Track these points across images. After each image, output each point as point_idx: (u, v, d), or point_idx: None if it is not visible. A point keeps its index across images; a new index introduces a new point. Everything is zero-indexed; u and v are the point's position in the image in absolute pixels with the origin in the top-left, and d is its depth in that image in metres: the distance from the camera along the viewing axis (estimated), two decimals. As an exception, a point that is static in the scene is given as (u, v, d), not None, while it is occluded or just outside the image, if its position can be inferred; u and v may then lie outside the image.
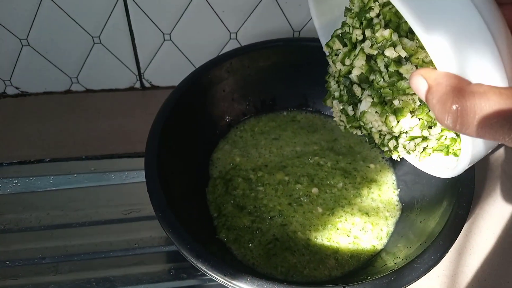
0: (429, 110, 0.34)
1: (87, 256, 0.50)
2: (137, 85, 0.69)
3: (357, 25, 0.35)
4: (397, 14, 0.32)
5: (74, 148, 0.60)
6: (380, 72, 0.34)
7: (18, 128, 0.63)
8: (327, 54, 0.40)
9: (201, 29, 0.61)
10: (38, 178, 0.57)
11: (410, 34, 0.32)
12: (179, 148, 0.49)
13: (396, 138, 0.37)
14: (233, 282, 0.36)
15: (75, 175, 0.57)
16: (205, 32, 0.61)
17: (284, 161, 0.54)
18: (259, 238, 0.47)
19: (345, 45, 0.37)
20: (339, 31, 0.38)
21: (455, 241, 0.39)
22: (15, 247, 0.51)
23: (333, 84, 0.41)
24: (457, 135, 0.35)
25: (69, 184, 0.57)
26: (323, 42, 0.43)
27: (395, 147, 0.38)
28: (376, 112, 0.36)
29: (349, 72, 0.37)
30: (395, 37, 0.32)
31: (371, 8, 0.34)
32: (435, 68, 0.26)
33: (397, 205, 0.51)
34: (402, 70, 0.33)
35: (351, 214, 0.49)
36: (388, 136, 0.38)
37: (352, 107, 0.39)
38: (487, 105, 0.23)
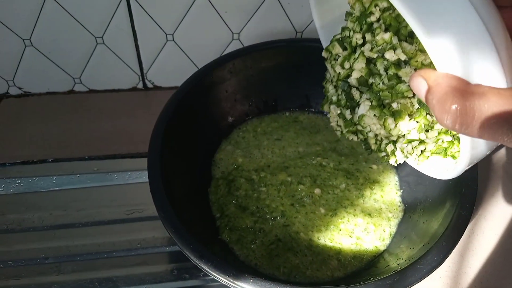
0: (427, 113, 0.35)
1: (89, 256, 0.50)
2: (140, 85, 0.69)
3: (358, 29, 0.36)
4: (397, 18, 0.33)
5: (77, 148, 0.60)
6: (380, 75, 0.35)
7: (21, 128, 0.63)
8: (326, 58, 0.41)
9: (204, 30, 0.61)
10: (41, 178, 0.57)
11: (409, 38, 0.33)
12: (182, 149, 0.49)
13: (394, 142, 0.38)
14: (236, 282, 0.36)
15: (78, 175, 0.57)
16: (208, 32, 0.62)
17: (286, 162, 0.54)
18: (262, 238, 0.47)
19: (345, 48, 0.38)
20: (338, 36, 0.39)
21: (458, 242, 0.39)
22: (18, 247, 0.51)
23: (330, 89, 0.42)
24: (454, 138, 0.35)
25: (72, 184, 0.57)
26: (324, 43, 0.44)
27: (393, 152, 0.38)
28: (374, 115, 0.37)
29: (348, 76, 0.38)
30: (395, 40, 0.33)
31: (371, 13, 0.34)
32: (435, 70, 0.26)
33: (399, 206, 0.51)
34: (401, 73, 0.33)
35: (354, 215, 0.49)
36: (385, 141, 0.39)
37: (350, 111, 0.39)
38: (486, 105, 0.23)
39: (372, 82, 0.36)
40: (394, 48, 0.33)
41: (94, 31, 0.60)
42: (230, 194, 0.51)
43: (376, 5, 0.34)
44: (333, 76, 0.40)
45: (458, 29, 0.25)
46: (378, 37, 0.34)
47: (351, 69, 0.37)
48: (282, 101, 0.60)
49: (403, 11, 0.26)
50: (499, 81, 0.25)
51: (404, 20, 0.33)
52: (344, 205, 0.50)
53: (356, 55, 0.36)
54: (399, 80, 0.34)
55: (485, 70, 0.25)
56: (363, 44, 0.36)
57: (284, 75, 0.58)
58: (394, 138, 0.38)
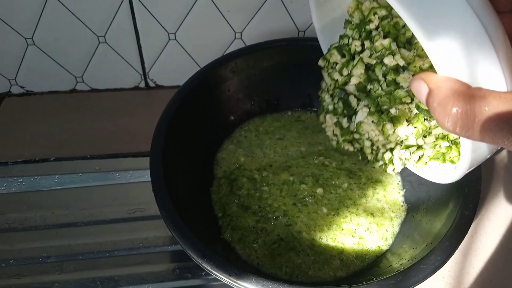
0: (425, 119, 0.35)
1: (91, 255, 0.50)
2: (142, 84, 0.69)
3: (357, 37, 0.37)
4: (395, 26, 0.34)
5: (79, 147, 0.60)
6: (378, 81, 0.36)
7: (23, 127, 0.63)
8: (323, 67, 0.41)
9: (206, 29, 0.61)
10: (42, 177, 0.57)
11: (407, 45, 0.34)
12: (184, 148, 0.49)
13: (391, 150, 0.38)
14: (238, 282, 0.36)
15: (80, 174, 0.57)
16: (210, 31, 0.61)
17: (288, 161, 0.54)
18: (264, 238, 0.47)
19: (343, 56, 0.39)
20: (336, 44, 0.40)
21: (461, 242, 0.38)
22: (20, 246, 0.51)
23: (327, 98, 0.42)
24: (452, 143, 0.35)
25: (74, 183, 0.57)
26: (323, 46, 0.44)
27: (390, 160, 0.39)
28: (372, 121, 0.37)
29: (346, 83, 0.39)
30: (394, 46, 0.34)
31: (371, 21, 0.35)
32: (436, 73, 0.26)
33: (402, 205, 0.51)
34: (399, 78, 0.34)
35: (356, 215, 0.49)
36: (382, 150, 0.39)
37: (347, 119, 0.40)
38: (487, 109, 0.23)
39: (371, 88, 0.37)
40: (393, 54, 0.34)
41: (96, 30, 0.60)
42: (232, 193, 0.50)
43: (375, 13, 0.35)
44: (330, 85, 0.41)
45: (458, 32, 0.25)
46: (377, 43, 0.34)
47: (350, 75, 0.38)
48: (284, 100, 0.60)
49: (404, 15, 0.26)
50: (500, 85, 0.26)
51: (402, 27, 0.34)
52: (347, 205, 0.50)
53: (355, 61, 0.37)
54: (397, 86, 0.35)
55: (486, 73, 0.25)
56: (361, 51, 0.37)
57: (287, 74, 0.57)
58: (392, 145, 0.38)
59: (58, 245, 0.51)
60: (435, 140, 0.36)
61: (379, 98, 0.36)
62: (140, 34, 0.61)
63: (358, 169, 0.53)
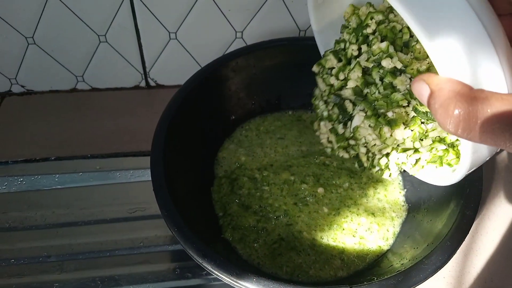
0: (422, 122, 0.35)
1: (92, 255, 0.50)
2: (143, 84, 0.69)
3: (354, 41, 0.37)
4: (392, 30, 0.34)
5: (79, 147, 0.60)
6: (375, 84, 0.36)
7: (23, 126, 0.63)
8: (317, 73, 0.42)
9: (207, 28, 0.61)
10: (43, 176, 0.57)
11: (404, 48, 0.34)
12: (185, 147, 0.49)
13: (387, 155, 0.38)
14: (239, 282, 0.36)
15: (80, 174, 0.57)
16: (211, 31, 0.61)
17: (289, 161, 0.54)
18: (265, 237, 0.47)
19: (339, 60, 0.39)
20: (332, 50, 0.40)
21: (462, 242, 0.38)
22: (20, 245, 0.51)
23: (321, 105, 0.42)
24: (449, 146, 0.35)
25: (74, 183, 0.57)
26: (321, 48, 0.44)
27: (386, 165, 0.39)
28: (369, 125, 0.37)
29: (342, 87, 0.39)
30: (391, 49, 0.34)
31: (368, 25, 0.36)
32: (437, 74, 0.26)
33: (403, 205, 0.51)
34: (397, 81, 0.34)
35: (357, 214, 0.49)
36: (378, 156, 0.39)
37: (342, 125, 0.40)
38: (489, 111, 0.23)
39: (367, 92, 0.37)
40: (390, 56, 0.34)
41: (97, 29, 0.60)
42: (233, 193, 0.50)
43: (372, 18, 0.35)
44: (324, 91, 0.41)
45: (460, 33, 0.25)
46: (374, 47, 0.35)
47: (346, 80, 0.38)
48: (285, 100, 0.60)
49: (406, 15, 0.26)
50: (501, 86, 0.26)
51: (399, 31, 0.34)
52: (348, 204, 0.50)
53: (352, 65, 0.37)
54: (394, 89, 0.35)
55: (487, 75, 0.25)
56: (358, 56, 0.37)
57: (287, 74, 0.57)
58: (389, 150, 0.38)
59: (58, 244, 0.51)
60: (432, 143, 0.36)
61: (376, 101, 0.36)
62: (140, 33, 0.61)
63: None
